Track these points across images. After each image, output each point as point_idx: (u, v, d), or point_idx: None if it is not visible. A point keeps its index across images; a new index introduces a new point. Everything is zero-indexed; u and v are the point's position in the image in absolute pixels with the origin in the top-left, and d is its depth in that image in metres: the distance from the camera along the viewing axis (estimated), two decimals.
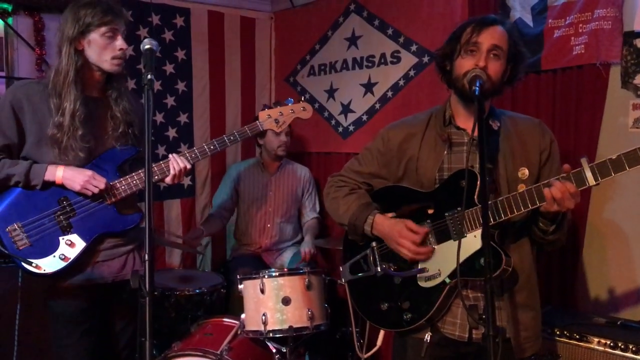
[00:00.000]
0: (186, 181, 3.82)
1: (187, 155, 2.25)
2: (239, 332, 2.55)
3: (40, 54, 3.26)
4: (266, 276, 2.48)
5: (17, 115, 2.07)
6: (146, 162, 1.51)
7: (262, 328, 2.42)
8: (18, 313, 2.42)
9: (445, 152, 1.84)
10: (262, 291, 2.45)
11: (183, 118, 3.81)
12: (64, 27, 2.07)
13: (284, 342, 2.51)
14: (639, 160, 1.51)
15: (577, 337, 2.18)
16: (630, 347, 2.05)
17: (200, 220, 3.84)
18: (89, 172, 2.08)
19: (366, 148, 2.05)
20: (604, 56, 2.43)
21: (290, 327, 2.41)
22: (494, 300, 1.43)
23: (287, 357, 2.49)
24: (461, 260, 1.65)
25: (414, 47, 3.24)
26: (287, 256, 3.54)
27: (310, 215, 3.67)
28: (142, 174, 2.15)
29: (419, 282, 1.82)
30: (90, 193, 2.08)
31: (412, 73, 3.26)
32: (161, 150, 3.68)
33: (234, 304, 3.04)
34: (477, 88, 1.65)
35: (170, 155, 2.22)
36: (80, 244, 2.10)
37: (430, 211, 1.82)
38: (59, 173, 2.06)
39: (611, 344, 2.10)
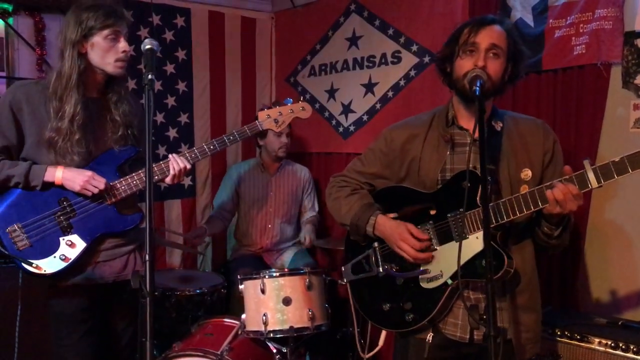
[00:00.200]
0: (187, 181, 3.81)
1: (187, 155, 2.25)
2: (239, 332, 2.55)
3: (41, 54, 3.26)
4: (267, 276, 2.48)
5: (16, 116, 2.07)
6: (147, 162, 1.51)
7: (262, 328, 2.41)
8: (18, 314, 2.41)
9: (448, 152, 1.84)
10: (263, 291, 2.45)
11: (183, 118, 3.81)
12: (66, 30, 2.07)
13: (285, 342, 2.51)
14: None
15: (578, 337, 2.18)
16: (632, 347, 2.05)
17: (201, 220, 3.85)
18: (88, 173, 2.08)
19: (369, 148, 2.05)
20: (604, 56, 2.43)
21: (291, 327, 2.41)
22: (495, 301, 1.43)
23: (288, 358, 2.49)
24: (463, 261, 1.64)
25: (414, 47, 3.24)
26: (287, 256, 3.54)
27: (309, 214, 3.68)
28: (142, 174, 2.15)
29: (421, 283, 1.82)
30: (90, 193, 2.08)
31: (412, 73, 3.26)
32: (162, 151, 3.68)
33: (235, 304, 3.04)
34: (477, 88, 1.64)
35: (170, 156, 2.21)
36: (80, 245, 2.10)
37: (432, 212, 1.82)
38: (58, 174, 2.06)
39: (612, 345, 2.10)
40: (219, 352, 2.38)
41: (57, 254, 2.07)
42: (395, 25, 3.34)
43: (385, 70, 3.41)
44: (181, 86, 3.79)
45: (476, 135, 1.61)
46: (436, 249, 1.81)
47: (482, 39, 1.73)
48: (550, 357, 2.22)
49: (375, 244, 1.92)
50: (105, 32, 2.06)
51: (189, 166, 2.22)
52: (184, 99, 3.81)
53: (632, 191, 2.42)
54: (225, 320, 2.68)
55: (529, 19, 2.70)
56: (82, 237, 2.10)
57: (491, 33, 1.74)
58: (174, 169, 2.19)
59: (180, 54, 3.77)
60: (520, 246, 1.81)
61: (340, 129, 3.71)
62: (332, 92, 3.76)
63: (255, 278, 2.50)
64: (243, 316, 2.54)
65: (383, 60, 3.42)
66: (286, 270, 2.73)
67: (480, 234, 1.69)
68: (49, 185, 2.08)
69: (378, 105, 3.46)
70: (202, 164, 3.85)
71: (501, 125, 1.82)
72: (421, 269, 1.82)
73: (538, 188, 1.64)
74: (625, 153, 1.52)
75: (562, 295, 2.61)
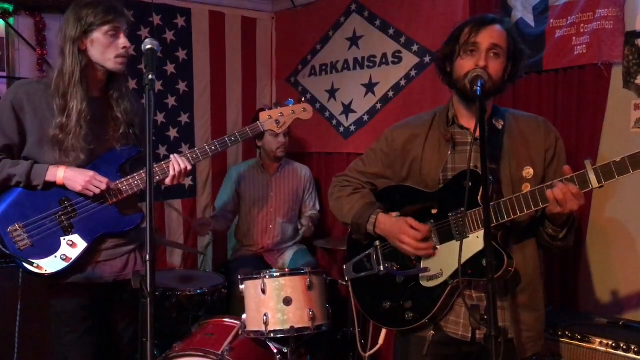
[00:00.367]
0: (187, 181, 3.82)
1: (189, 155, 2.25)
2: (240, 332, 2.55)
3: (42, 54, 3.26)
4: (267, 276, 2.48)
5: (18, 115, 2.07)
6: (147, 162, 1.51)
7: (263, 328, 2.42)
8: (19, 313, 2.42)
9: (449, 152, 1.84)
10: (264, 291, 2.45)
11: (184, 118, 3.81)
12: (66, 27, 2.07)
13: (286, 342, 2.51)
14: None
15: (579, 337, 2.18)
16: (632, 347, 2.05)
17: None
18: (90, 173, 2.08)
19: (370, 149, 2.05)
20: (605, 56, 2.42)
21: (292, 327, 2.41)
22: (496, 300, 1.43)
23: (289, 358, 2.49)
24: (463, 260, 1.64)
25: (415, 47, 3.24)
26: (288, 256, 3.54)
27: (310, 212, 3.68)
28: (143, 174, 2.15)
29: (421, 282, 1.82)
30: (91, 194, 2.08)
31: (413, 73, 3.25)
32: (162, 151, 3.69)
33: (235, 304, 3.04)
34: (478, 88, 1.64)
35: (171, 156, 2.21)
36: (81, 245, 2.10)
37: (433, 211, 1.82)
38: (60, 174, 2.06)
39: (613, 345, 2.09)
40: (219, 352, 2.38)
41: (58, 253, 2.07)
42: (395, 25, 3.34)
43: (385, 70, 3.41)
44: (182, 86, 3.79)
45: (477, 134, 1.61)
46: (437, 248, 1.81)
47: (483, 39, 1.73)
48: (551, 357, 2.22)
49: (377, 243, 1.92)
50: (105, 28, 2.06)
51: (189, 167, 2.22)
52: (185, 99, 3.81)
53: (633, 190, 2.41)
54: (226, 320, 2.68)
55: (530, 19, 2.70)
56: (83, 237, 2.11)
57: (492, 33, 1.74)
58: (174, 169, 2.18)
59: (181, 54, 3.78)
60: (522, 246, 1.81)
61: (341, 129, 3.71)
62: (332, 92, 3.76)
63: (256, 278, 2.50)
64: (244, 316, 2.54)
65: (384, 60, 3.42)
66: (287, 270, 2.73)
67: (480, 233, 1.69)
68: (51, 185, 2.08)
69: (379, 105, 3.46)
70: (202, 164, 3.85)
71: (502, 123, 1.82)
72: (422, 267, 1.82)
73: (539, 188, 1.64)
74: (626, 153, 1.51)
75: (563, 295, 2.61)
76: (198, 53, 3.83)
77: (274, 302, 2.45)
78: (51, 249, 2.07)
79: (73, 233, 2.10)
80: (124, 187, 2.15)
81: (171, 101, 3.76)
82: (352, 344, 3.05)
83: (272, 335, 2.43)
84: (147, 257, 1.43)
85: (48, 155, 2.09)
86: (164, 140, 3.73)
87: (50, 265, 2.06)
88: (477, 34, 1.74)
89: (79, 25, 2.04)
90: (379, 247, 1.92)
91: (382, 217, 1.89)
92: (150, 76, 1.56)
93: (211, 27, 3.88)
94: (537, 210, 1.67)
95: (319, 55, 3.85)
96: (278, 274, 2.50)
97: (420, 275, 1.82)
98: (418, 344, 1.84)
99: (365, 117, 3.54)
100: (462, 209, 1.72)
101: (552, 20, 2.61)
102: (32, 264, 2.03)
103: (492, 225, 1.65)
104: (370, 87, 3.50)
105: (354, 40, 3.60)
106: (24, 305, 2.41)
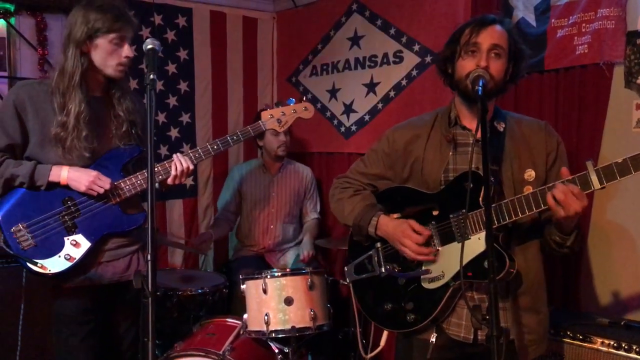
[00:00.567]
0: (188, 181, 3.81)
1: (191, 154, 2.25)
2: (241, 332, 2.55)
3: (43, 54, 3.26)
4: (268, 276, 2.48)
5: (20, 115, 2.08)
6: (149, 162, 1.51)
7: (264, 328, 2.42)
8: (22, 313, 2.42)
9: (451, 153, 1.84)
10: (265, 291, 2.46)
11: (185, 118, 3.81)
12: (72, 27, 2.07)
13: (287, 342, 2.51)
14: None
15: (581, 337, 2.18)
16: (634, 347, 2.05)
17: (202, 220, 3.85)
18: (93, 173, 2.08)
19: (372, 149, 2.05)
20: (607, 56, 2.42)
21: (293, 327, 2.41)
22: (497, 301, 1.43)
23: (290, 358, 2.49)
24: (465, 262, 1.64)
25: (416, 47, 3.23)
26: (289, 256, 3.54)
27: (311, 216, 3.68)
28: (145, 174, 2.16)
29: (422, 284, 1.82)
30: (95, 193, 2.09)
31: (414, 73, 3.25)
32: (163, 150, 3.69)
33: (237, 304, 3.04)
34: (480, 88, 1.64)
35: (174, 155, 2.22)
36: (85, 244, 2.10)
37: (435, 212, 1.82)
38: (63, 174, 2.07)
39: (615, 345, 2.09)
40: (220, 352, 2.38)
41: (62, 253, 2.07)
42: (397, 25, 3.34)
43: (387, 70, 3.41)
44: (183, 86, 3.79)
45: (478, 135, 1.60)
46: (438, 250, 1.81)
47: (484, 39, 1.73)
48: (552, 357, 2.22)
49: (378, 244, 1.92)
50: (111, 36, 2.06)
51: (192, 166, 2.22)
52: (186, 99, 3.81)
53: (635, 191, 2.41)
54: (227, 320, 2.68)
55: (531, 19, 2.70)
56: (87, 236, 2.11)
57: (492, 33, 1.74)
58: (175, 169, 2.19)
59: (182, 54, 3.78)
60: (524, 247, 1.80)
61: (342, 129, 3.71)
62: (333, 92, 3.76)
63: (257, 278, 2.50)
64: (245, 316, 2.54)
65: (385, 60, 3.42)
66: (288, 270, 2.73)
67: (482, 235, 1.69)
68: (54, 185, 2.08)
69: (380, 105, 3.46)
70: (204, 164, 3.85)
71: (504, 126, 1.82)
72: (423, 269, 1.82)
73: (540, 189, 1.64)
74: (628, 154, 1.51)
75: (564, 296, 2.61)
76: (199, 53, 3.83)
77: (275, 302, 2.45)
78: (55, 248, 2.07)
79: (77, 233, 2.10)
80: (127, 187, 2.16)
81: (172, 101, 3.76)
82: (353, 344, 3.05)
83: (273, 335, 2.43)
84: (149, 256, 1.43)
85: (51, 155, 2.09)
86: (165, 140, 3.73)
87: (54, 265, 2.06)
88: (478, 35, 1.74)
89: (85, 28, 2.04)
90: (380, 248, 1.92)
91: (383, 220, 1.89)
92: (151, 76, 1.56)
93: (212, 27, 3.88)
94: (539, 212, 1.66)
95: (320, 55, 3.85)
96: (279, 273, 2.50)
97: (421, 277, 1.82)
98: (421, 347, 1.84)
99: (367, 117, 3.54)
100: (464, 210, 1.72)
101: (553, 20, 2.61)
102: (35, 264, 2.04)
103: (494, 226, 1.65)
104: (371, 86, 3.50)
105: (355, 40, 3.60)
106: (26, 305, 2.41)
